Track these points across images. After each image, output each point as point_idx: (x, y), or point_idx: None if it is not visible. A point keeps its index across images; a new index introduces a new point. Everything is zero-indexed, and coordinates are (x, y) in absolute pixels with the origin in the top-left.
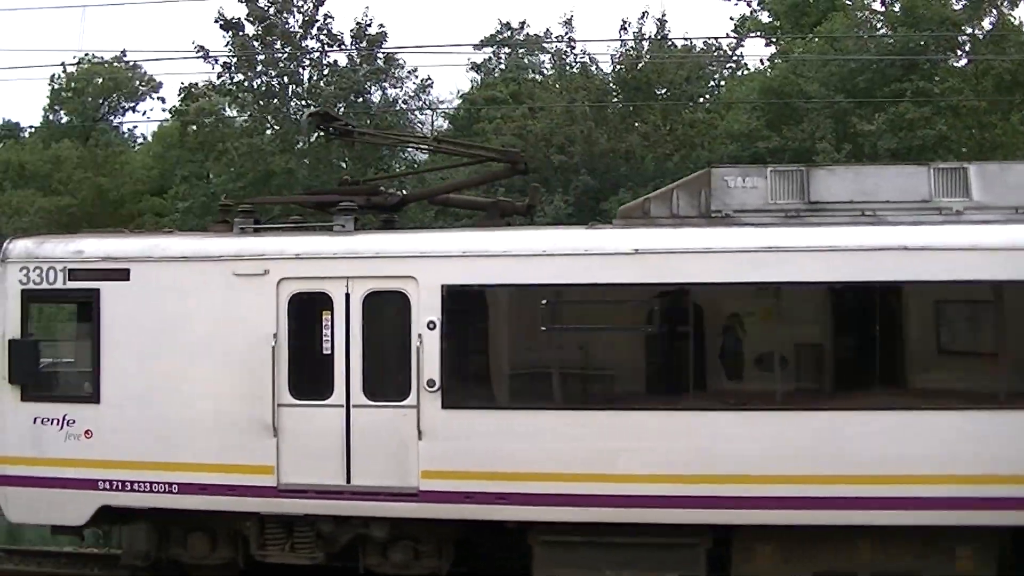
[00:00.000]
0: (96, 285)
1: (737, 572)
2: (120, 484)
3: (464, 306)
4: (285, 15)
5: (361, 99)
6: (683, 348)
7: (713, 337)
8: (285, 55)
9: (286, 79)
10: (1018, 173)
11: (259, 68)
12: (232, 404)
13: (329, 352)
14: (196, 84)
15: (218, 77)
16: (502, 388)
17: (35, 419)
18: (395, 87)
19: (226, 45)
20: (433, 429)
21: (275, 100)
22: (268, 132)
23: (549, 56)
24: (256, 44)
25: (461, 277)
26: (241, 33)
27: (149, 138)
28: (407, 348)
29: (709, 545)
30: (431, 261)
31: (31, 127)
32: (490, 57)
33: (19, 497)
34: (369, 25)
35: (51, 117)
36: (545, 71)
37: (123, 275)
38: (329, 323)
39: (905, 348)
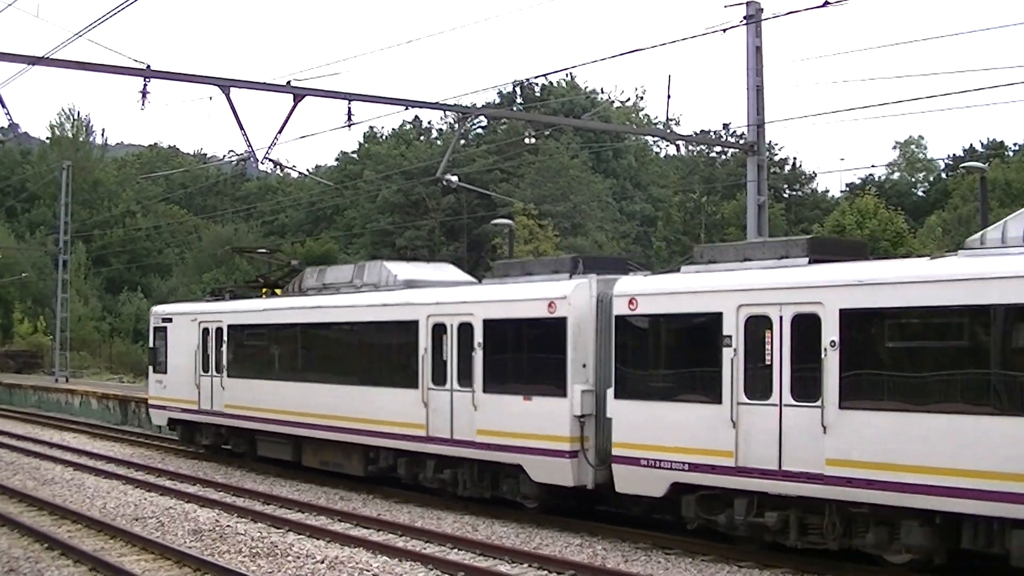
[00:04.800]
0: (165, 325)
1: (304, 459)
2: (172, 408)
3: (234, 334)
4: None
5: None
6: (285, 353)
7: (289, 346)
8: None
9: None
10: (376, 266)
11: None
12: (188, 375)
13: (211, 353)
14: None
15: None
16: (245, 369)
17: (156, 380)
18: None
19: None
20: (227, 387)
21: None
22: None
23: None
24: None
25: (233, 321)
26: None
27: None
28: (223, 351)
29: (291, 445)
30: (226, 315)
31: (1015, 145)
32: None
33: (153, 413)
34: None
35: None
36: None
37: (171, 320)
38: (211, 341)
39: (340, 358)
